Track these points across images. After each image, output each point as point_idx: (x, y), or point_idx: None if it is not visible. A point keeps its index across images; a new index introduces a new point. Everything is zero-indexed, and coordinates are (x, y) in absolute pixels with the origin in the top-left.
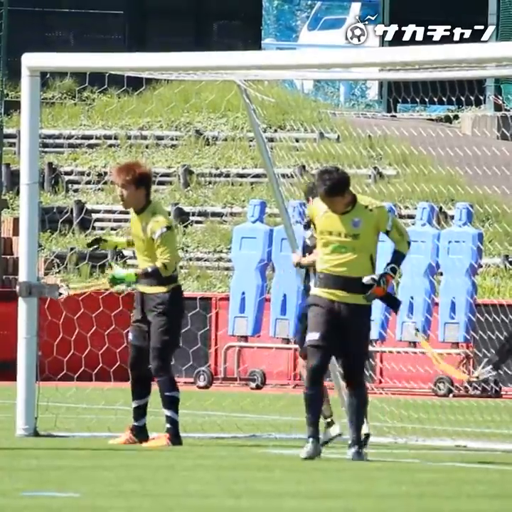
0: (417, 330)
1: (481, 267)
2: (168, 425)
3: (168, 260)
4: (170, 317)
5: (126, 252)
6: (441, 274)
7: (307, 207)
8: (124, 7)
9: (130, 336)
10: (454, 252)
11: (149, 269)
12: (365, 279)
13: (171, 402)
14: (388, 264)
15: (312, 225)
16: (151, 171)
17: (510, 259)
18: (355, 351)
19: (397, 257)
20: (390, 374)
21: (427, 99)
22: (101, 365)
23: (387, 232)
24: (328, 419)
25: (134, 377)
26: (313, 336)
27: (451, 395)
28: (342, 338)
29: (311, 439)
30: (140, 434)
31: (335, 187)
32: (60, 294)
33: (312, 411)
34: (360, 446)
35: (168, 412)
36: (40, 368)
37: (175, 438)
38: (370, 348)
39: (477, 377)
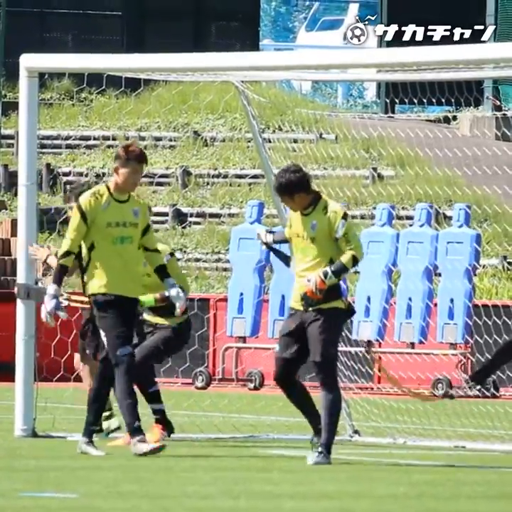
0: (368, 351)
1: (478, 268)
2: (157, 416)
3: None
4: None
5: None
6: (440, 275)
7: None
8: (123, 8)
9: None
10: (452, 253)
11: (167, 294)
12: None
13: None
14: (325, 268)
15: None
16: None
17: (508, 260)
18: (318, 358)
19: (336, 263)
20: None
21: (425, 100)
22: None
23: (336, 239)
24: (107, 412)
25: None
26: (278, 348)
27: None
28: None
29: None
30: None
31: (282, 187)
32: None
33: (304, 414)
34: (324, 451)
35: (153, 406)
36: (38, 368)
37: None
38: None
39: (451, 396)
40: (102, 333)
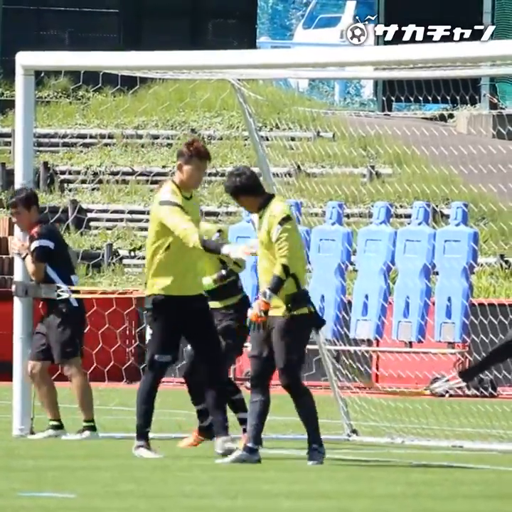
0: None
1: (475, 266)
2: (245, 427)
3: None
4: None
5: (122, 252)
6: (437, 273)
7: None
8: (119, 6)
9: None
10: (449, 251)
11: (223, 272)
12: (249, 311)
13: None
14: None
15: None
16: None
17: (505, 259)
18: (281, 364)
19: (272, 279)
20: (386, 373)
21: (421, 98)
22: (95, 365)
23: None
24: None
25: (190, 384)
26: (251, 349)
27: (447, 395)
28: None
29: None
30: (208, 434)
31: (228, 190)
32: (59, 295)
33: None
34: (320, 450)
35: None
36: None
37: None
38: (368, 348)
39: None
40: (150, 333)
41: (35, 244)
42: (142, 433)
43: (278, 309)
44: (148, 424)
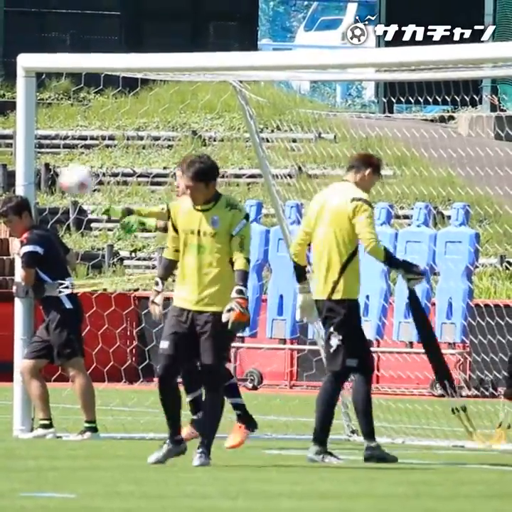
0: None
1: (478, 267)
2: (238, 412)
3: None
4: None
5: (122, 253)
6: (438, 274)
7: None
8: (121, 8)
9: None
10: (450, 252)
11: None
12: (224, 317)
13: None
14: (235, 287)
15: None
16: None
17: (506, 260)
18: (209, 360)
19: (240, 275)
20: (386, 374)
21: (421, 100)
22: (95, 365)
23: (231, 236)
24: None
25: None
26: (162, 345)
27: (447, 396)
28: (195, 346)
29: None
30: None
31: (202, 172)
32: (60, 291)
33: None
34: (205, 451)
35: (233, 400)
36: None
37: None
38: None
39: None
40: (339, 339)
41: (24, 249)
42: (324, 439)
43: (209, 304)
44: (329, 431)
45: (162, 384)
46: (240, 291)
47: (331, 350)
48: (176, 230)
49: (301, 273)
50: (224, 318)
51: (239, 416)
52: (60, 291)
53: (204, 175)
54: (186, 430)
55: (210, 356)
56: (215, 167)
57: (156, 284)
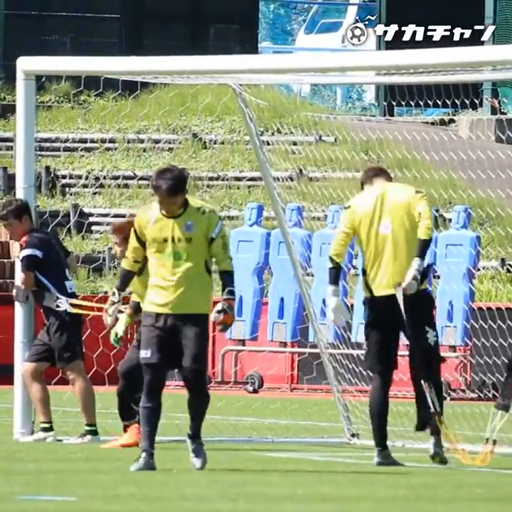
0: None
1: (479, 270)
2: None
3: None
4: None
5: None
6: (439, 277)
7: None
8: (121, 11)
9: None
10: (451, 255)
11: None
12: (214, 317)
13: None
14: (224, 289)
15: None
16: None
17: (507, 263)
18: (192, 363)
19: (225, 278)
20: None
21: (421, 103)
22: (95, 368)
23: (211, 240)
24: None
25: None
26: (144, 354)
27: (448, 398)
28: (176, 350)
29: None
30: None
31: (178, 185)
32: (57, 306)
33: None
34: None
35: None
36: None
37: None
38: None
39: None
40: (366, 345)
41: (23, 253)
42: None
43: (187, 305)
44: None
45: (151, 394)
46: (232, 292)
47: (429, 345)
48: (140, 241)
49: (338, 275)
50: (214, 318)
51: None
52: (57, 306)
53: (180, 188)
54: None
55: (196, 358)
56: (186, 176)
57: (113, 294)
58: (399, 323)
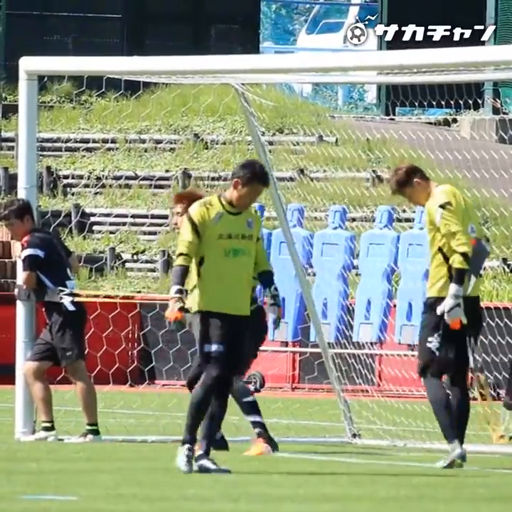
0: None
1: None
2: (258, 430)
3: None
4: None
5: (125, 256)
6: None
7: None
8: (123, 11)
9: None
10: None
11: None
12: (273, 310)
13: (251, 407)
14: (270, 286)
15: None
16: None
17: (508, 263)
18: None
19: (271, 276)
20: (388, 377)
21: (425, 103)
22: (99, 367)
23: (257, 239)
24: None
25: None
26: (216, 347)
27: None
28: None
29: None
30: (221, 446)
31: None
32: (61, 298)
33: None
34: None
35: (253, 418)
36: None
37: (269, 441)
38: (368, 351)
39: None
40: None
41: (25, 253)
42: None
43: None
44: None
45: (219, 384)
46: (277, 288)
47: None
48: (199, 236)
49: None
50: (274, 312)
51: (259, 434)
52: (60, 297)
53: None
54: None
55: (249, 360)
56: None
57: (181, 292)
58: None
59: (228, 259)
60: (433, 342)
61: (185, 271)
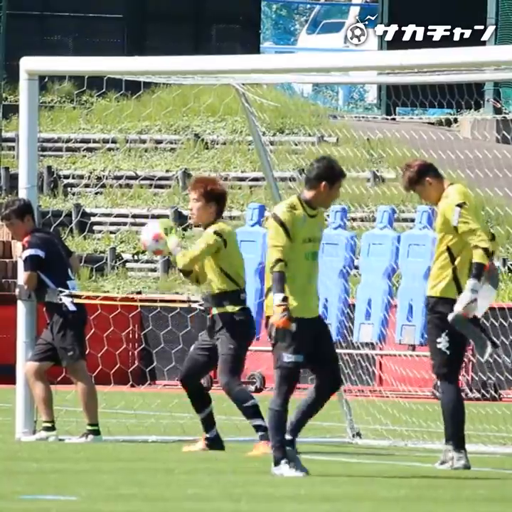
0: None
1: None
2: (260, 433)
3: None
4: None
5: (125, 256)
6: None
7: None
8: (124, 11)
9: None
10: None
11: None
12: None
13: (253, 411)
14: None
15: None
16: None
17: (509, 263)
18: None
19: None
20: (389, 377)
21: (426, 103)
22: (100, 367)
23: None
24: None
25: (189, 390)
26: (296, 358)
27: None
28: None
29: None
30: (215, 445)
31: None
32: (60, 299)
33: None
34: None
35: (255, 422)
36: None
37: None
38: (369, 351)
39: None
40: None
41: (26, 253)
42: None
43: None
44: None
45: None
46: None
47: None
48: (291, 239)
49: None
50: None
51: (262, 437)
52: (60, 298)
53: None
54: (200, 445)
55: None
56: None
57: (286, 299)
58: None
59: (308, 262)
60: (442, 342)
61: (284, 277)
